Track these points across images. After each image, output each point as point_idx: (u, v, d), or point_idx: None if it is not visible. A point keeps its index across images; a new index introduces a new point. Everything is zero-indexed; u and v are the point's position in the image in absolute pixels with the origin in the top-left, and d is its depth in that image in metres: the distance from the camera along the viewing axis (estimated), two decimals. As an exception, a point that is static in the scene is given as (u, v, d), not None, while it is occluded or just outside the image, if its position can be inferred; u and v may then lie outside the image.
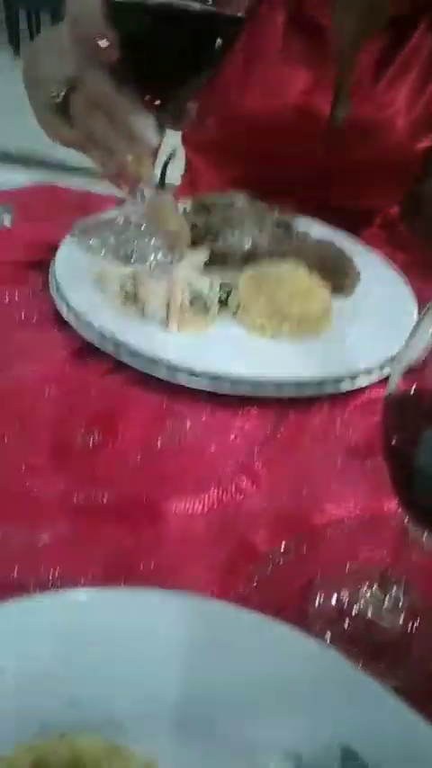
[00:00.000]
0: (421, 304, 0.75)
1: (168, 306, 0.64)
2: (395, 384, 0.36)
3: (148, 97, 0.49)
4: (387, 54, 0.89)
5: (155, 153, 0.50)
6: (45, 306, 0.68)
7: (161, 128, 0.50)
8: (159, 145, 0.50)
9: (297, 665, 0.36)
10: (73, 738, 0.30)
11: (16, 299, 0.69)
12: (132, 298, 0.65)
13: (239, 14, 0.47)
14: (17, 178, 0.99)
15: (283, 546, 0.47)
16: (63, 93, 0.59)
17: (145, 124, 0.48)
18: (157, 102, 0.50)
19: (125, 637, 0.36)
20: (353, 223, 0.93)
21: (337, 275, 0.75)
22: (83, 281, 0.67)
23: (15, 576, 0.42)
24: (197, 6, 0.47)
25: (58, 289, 0.66)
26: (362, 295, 0.76)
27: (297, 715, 0.34)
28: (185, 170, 1.14)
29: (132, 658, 0.35)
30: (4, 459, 0.50)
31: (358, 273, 0.77)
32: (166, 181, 0.80)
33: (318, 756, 0.31)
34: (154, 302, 0.64)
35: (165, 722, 0.33)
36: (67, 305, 0.64)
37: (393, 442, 0.37)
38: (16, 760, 0.29)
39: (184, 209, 0.81)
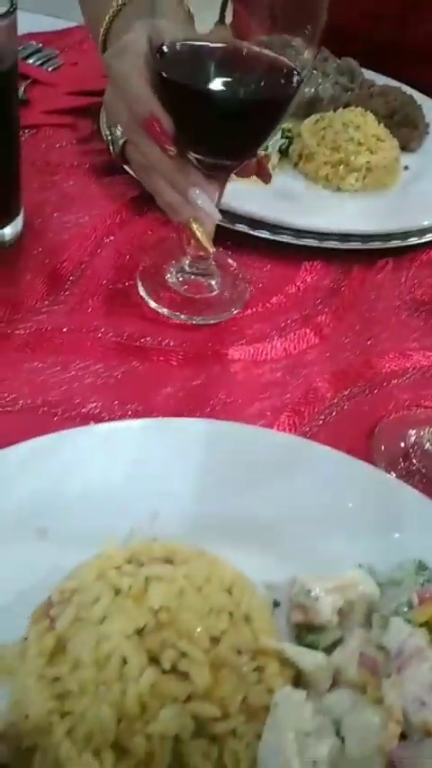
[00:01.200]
0: None
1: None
2: None
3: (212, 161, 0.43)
4: None
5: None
6: (96, 153, 0.65)
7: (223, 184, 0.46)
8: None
9: (368, 493, 0.37)
10: (164, 540, 0.32)
11: (64, 144, 0.66)
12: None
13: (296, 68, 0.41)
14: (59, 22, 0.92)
15: (347, 392, 0.47)
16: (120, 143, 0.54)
17: (205, 197, 0.43)
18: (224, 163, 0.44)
19: (205, 462, 0.37)
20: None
21: (406, 126, 0.70)
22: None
23: (95, 406, 0.43)
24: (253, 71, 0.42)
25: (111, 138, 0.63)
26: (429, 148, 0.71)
27: (369, 535, 0.35)
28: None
29: (210, 483, 0.37)
30: (69, 303, 0.50)
31: (428, 125, 0.72)
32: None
33: (392, 568, 0.33)
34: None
35: (241, 534, 0.34)
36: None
37: None
38: (110, 556, 0.31)
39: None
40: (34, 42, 0.82)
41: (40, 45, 0.82)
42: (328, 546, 0.34)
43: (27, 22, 0.90)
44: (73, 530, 0.33)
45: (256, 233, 0.57)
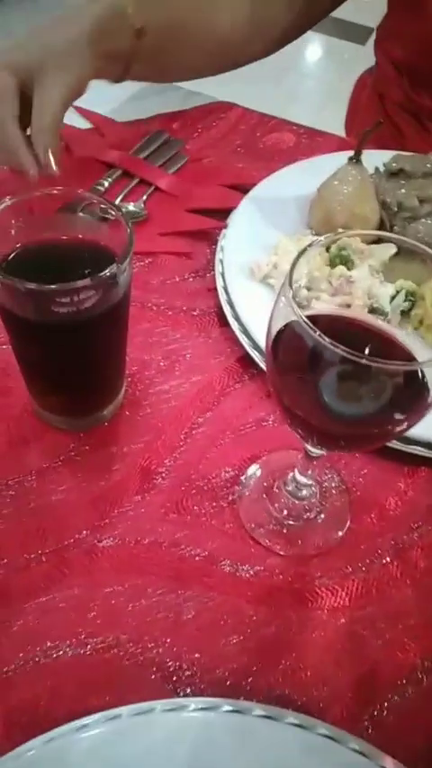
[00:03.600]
0: None
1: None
2: None
3: None
4: None
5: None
6: (208, 293, 0.63)
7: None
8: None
9: None
10: None
11: (177, 279, 0.64)
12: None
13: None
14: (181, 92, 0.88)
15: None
16: None
17: None
18: None
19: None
20: None
21: None
22: (247, 272, 0.61)
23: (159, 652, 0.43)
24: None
25: (225, 288, 0.61)
26: None
27: None
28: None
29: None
30: (151, 507, 0.50)
31: None
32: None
33: None
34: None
35: None
36: (236, 316, 0.59)
37: None
38: None
39: (371, 175, 0.70)
40: (161, 130, 0.80)
41: (167, 135, 0.80)
42: None
43: (153, 97, 0.89)
44: None
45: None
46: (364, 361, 0.32)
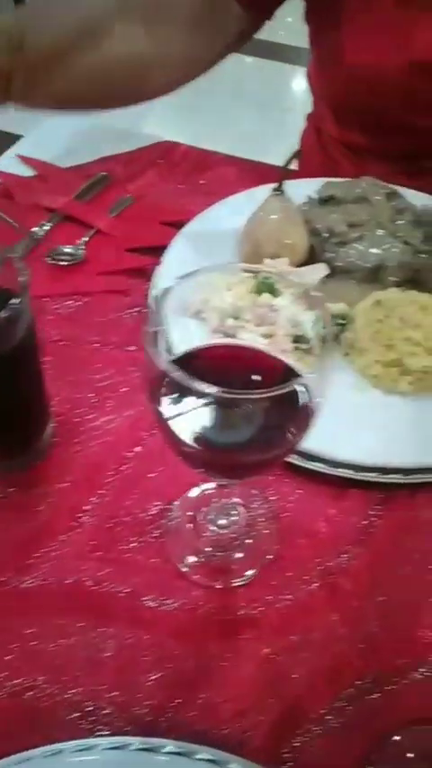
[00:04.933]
0: None
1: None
2: None
3: None
4: None
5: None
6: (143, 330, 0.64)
7: None
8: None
9: None
10: None
11: (112, 317, 0.66)
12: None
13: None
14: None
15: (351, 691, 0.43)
16: None
17: None
18: None
19: None
20: None
21: None
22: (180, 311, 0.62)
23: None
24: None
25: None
26: None
27: None
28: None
29: None
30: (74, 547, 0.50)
31: None
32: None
33: None
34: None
35: None
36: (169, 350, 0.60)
37: None
38: None
39: (304, 203, 0.71)
40: (104, 174, 0.82)
41: (110, 177, 0.82)
42: None
43: (97, 141, 0.91)
44: None
45: (287, 458, 0.53)
46: (221, 392, 0.33)
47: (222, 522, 0.50)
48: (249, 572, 0.48)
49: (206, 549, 0.49)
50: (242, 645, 0.45)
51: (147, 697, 0.43)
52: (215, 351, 0.46)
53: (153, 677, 0.43)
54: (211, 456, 0.39)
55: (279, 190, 0.65)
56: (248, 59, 2.64)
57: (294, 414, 0.37)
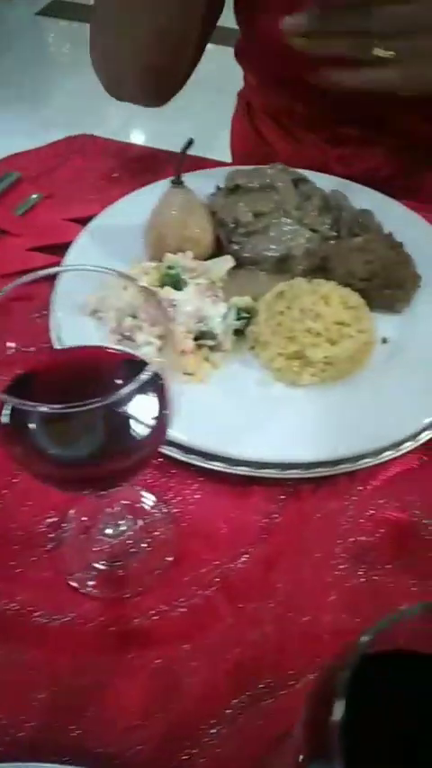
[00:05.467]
0: None
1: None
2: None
3: None
4: None
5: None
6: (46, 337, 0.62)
7: None
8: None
9: None
10: None
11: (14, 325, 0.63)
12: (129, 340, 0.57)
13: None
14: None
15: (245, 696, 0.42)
16: None
17: None
18: None
19: None
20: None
21: (389, 287, 0.61)
22: (79, 310, 0.60)
23: None
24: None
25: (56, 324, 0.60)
26: (420, 310, 0.62)
27: None
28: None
29: None
30: None
31: (417, 280, 0.63)
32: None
33: None
34: (148, 349, 0.55)
35: None
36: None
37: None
38: None
39: (212, 194, 0.69)
40: (10, 172, 0.79)
41: (18, 175, 0.79)
42: None
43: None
44: None
45: (186, 458, 0.52)
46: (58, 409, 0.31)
47: (114, 531, 0.48)
48: (144, 581, 0.47)
49: (99, 560, 0.48)
50: (134, 657, 0.44)
51: (32, 717, 0.41)
52: (62, 359, 0.44)
53: (40, 696, 0.42)
54: (67, 473, 0.37)
55: (177, 181, 0.63)
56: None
57: (150, 407, 0.35)
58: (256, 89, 0.92)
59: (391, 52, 0.55)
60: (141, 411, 0.35)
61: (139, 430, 0.36)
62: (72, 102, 2.35)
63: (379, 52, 0.55)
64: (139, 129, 2.32)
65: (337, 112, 0.82)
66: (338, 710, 0.22)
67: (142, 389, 0.32)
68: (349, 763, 0.21)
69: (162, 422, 0.36)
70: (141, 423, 0.35)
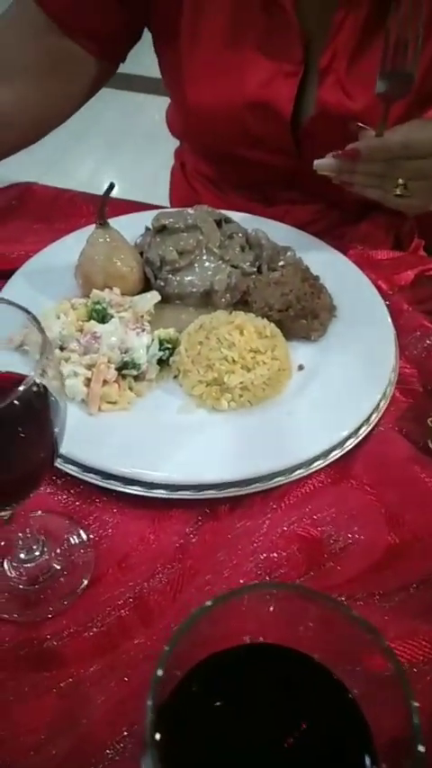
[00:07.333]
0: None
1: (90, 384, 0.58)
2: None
3: None
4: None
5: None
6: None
7: None
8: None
9: None
10: None
11: None
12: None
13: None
14: None
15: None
16: None
17: None
18: None
19: None
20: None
21: (305, 317, 0.65)
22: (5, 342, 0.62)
23: None
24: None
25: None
26: (333, 339, 0.65)
27: None
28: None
29: None
30: None
31: (331, 310, 0.67)
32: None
33: None
34: (72, 380, 0.58)
35: None
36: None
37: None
38: None
39: (141, 235, 0.73)
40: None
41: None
42: None
43: None
44: None
45: (106, 484, 0.54)
46: None
47: (27, 555, 0.49)
48: (59, 604, 0.48)
49: (14, 583, 0.49)
50: (43, 678, 0.44)
51: None
52: None
53: None
54: None
55: (101, 222, 0.66)
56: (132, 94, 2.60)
57: (36, 423, 0.37)
58: (188, 151, 0.97)
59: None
60: (26, 427, 0.37)
61: (23, 446, 0.37)
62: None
63: (400, 190, 0.65)
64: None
65: (269, 181, 0.87)
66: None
67: (26, 405, 0.34)
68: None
69: (49, 439, 0.38)
70: (26, 438, 0.37)
